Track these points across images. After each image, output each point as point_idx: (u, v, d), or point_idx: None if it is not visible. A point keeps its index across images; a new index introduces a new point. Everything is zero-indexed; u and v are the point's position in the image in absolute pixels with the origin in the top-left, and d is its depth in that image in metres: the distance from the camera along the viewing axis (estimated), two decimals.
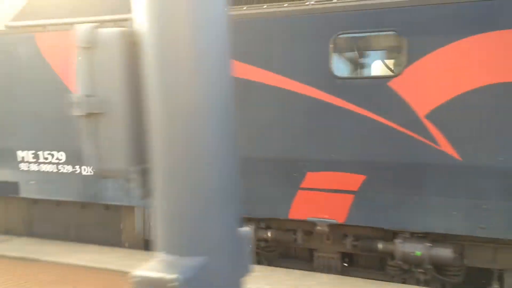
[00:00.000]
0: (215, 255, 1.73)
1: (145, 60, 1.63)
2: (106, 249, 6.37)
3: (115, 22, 6.20)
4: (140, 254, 6.13)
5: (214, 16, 1.66)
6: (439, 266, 5.41)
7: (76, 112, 1.67)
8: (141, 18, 1.61)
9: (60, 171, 6.73)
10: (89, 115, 1.68)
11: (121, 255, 6.10)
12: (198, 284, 1.65)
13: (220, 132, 1.72)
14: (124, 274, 5.45)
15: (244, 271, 1.95)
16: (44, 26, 6.69)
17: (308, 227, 5.76)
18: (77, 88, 1.68)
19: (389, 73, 5.52)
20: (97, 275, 5.43)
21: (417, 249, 5.28)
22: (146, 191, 1.79)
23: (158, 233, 1.77)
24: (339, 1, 5.21)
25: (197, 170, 1.68)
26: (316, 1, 5.35)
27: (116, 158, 1.72)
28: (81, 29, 1.64)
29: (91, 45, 1.64)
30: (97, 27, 1.65)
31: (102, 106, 1.68)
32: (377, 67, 5.97)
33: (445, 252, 5.20)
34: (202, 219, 1.72)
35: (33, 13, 6.96)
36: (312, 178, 5.50)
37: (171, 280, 1.56)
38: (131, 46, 1.64)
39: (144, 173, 1.77)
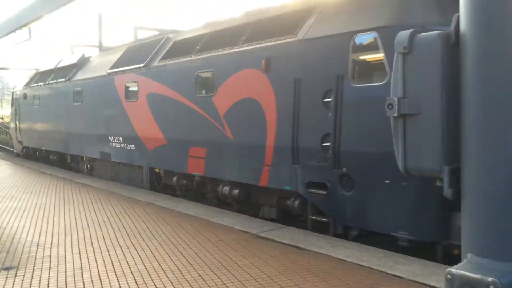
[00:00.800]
0: None
1: (465, 60, 1.64)
2: (364, 247, 6.59)
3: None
4: (401, 257, 6.12)
5: None
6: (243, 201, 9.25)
7: (390, 113, 1.80)
8: (462, 20, 1.63)
9: (120, 147, 12.94)
10: (402, 116, 1.79)
11: (380, 255, 6.21)
12: None
13: None
14: (380, 273, 5.55)
15: None
16: (121, 72, 12.91)
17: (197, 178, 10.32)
18: (392, 91, 1.81)
19: (213, 93, 9.34)
20: (356, 271, 5.67)
21: (226, 190, 9.31)
22: (455, 191, 1.80)
23: (467, 233, 1.76)
24: (200, 54, 9.93)
25: None
26: (192, 58, 10.20)
27: (427, 157, 1.78)
28: (400, 35, 1.77)
29: (408, 50, 1.75)
30: (416, 32, 1.74)
31: (415, 107, 1.77)
32: (211, 89, 9.60)
33: (239, 192, 9.06)
34: None
35: (117, 65, 13.33)
36: (192, 150, 10.00)
37: (491, 283, 1.53)
38: (450, 48, 1.68)
39: (454, 173, 1.78)
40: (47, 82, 18.16)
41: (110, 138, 13.30)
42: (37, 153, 20.38)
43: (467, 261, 1.71)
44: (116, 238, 7.41)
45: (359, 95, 6.59)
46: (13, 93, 23.86)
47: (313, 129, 7.20)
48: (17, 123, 21.96)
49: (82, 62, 16.22)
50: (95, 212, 9.42)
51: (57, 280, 5.54)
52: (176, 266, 5.98)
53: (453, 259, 5.30)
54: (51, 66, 18.83)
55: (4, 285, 5.40)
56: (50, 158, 19.02)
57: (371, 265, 5.81)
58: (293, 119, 7.54)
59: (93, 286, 5.35)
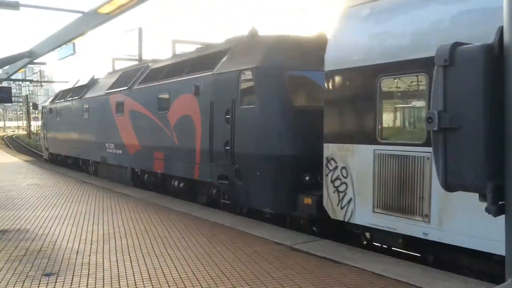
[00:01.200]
0: None
1: (509, 72, 1.59)
2: (401, 262, 6.43)
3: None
4: (441, 273, 5.93)
5: None
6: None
7: (429, 127, 1.76)
8: (506, 31, 1.58)
9: (113, 152, 16.30)
10: (442, 130, 1.75)
11: (418, 270, 6.04)
12: None
13: None
14: None
15: None
16: (114, 92, 16.36)
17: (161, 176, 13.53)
18: (432, 104, 1.78)
19: (167, 110, 12.49)
20: (393, 287, 5.54)
21: (176, 184, 12.56)
22: (498, 208, 1.74)
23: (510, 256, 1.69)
24: (161, 81, 13.20)
25: None
26: (156, 83, 13.58)
27: (469, 173, 1.73)
28: (441, 48, 1.73)
29: (449, 63, 1.71)
30: (457, 44, 1.71)
31: (457, 121, 1.73)
32: (166, 107, 12.68)
33: (184, 184, 12.27)
34: None
35: (112, 87, 16.76)
36: (156, 154, 13.14)
37: None
38: (493, 60, 1.64)
39: (498, 190, 1.72)
40: (65, 99, 22.07)
41: (106, 145, 16.79)
42: (58, 158, 24.20)
43: (511, 281, 1.65)
44: (152, 247, 7.53)
45: (243, 114, 9.50)
46: (42, 108, 29.92)
47: (220, 137, 10.10)
48: (45, 132, 26.15)
49: (92, 83, 19.92)
50: (132, 221, 9.61)
51: (95, 287, 5.68)
52: (210, 276, 6.00)
53: (309, 229, 8.53)
54: (70, 86, 23.17)
55: None
56: (67, 162, 22.55)
57: (409, 281, 5.66)
58: (209, 130, 10.53)
59: None
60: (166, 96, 12.63)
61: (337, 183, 7.40)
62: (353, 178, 7.10)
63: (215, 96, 10.33)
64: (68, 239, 8.11)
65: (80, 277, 6.07)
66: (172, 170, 12.47)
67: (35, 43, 16.28)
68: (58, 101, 23.58)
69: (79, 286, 5.71)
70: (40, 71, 62.02)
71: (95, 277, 6.04)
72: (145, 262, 6.68)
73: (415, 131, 6.83)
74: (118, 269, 6.40)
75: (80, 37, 12.28)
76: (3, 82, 28.11)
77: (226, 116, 9.83)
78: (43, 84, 56.75)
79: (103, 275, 6.14)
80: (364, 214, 6.91)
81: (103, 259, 6.86)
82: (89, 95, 19.16)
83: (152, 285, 5.72)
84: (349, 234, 7.71)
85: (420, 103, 6.66)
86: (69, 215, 10.27)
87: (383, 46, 6.68)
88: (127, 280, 5.91)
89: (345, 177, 7.25)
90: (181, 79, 11.98)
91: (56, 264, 6.67)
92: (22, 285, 5.76)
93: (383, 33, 6.80)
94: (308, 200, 8.13)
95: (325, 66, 7.56)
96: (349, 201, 7.21)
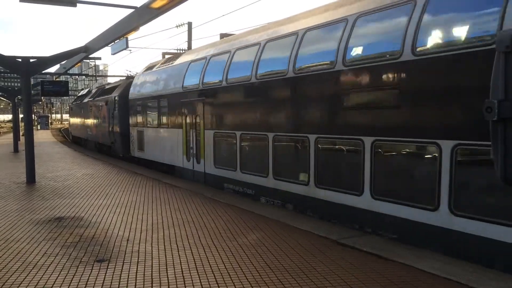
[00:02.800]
0: None
1: None
2: (452, 260, 6.19)
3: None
4: (494, 273, 5.67)
5: None
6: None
7: (488, 117, 1.66)
8: None
9: (89, 133, 32.05)
10: (502, 120, 1.64)
11: (470, 269, 5.80)
12: None
13: None
14: None
15: None
16: (96, 99, 29.49)
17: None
18: (491, 93, 1.67)
19: (99, 111, 28.15)
20: (443, 285, 5.34)
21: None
22: None
23: None
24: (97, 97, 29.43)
25: None
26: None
27: None
28: (502, 34, 1.63)
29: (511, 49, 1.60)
30: None
31: None
32: (98, 110, 28.16)
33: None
34: None
35: (96, 94, 30.94)
36: (96, 132, 28.97)
37: None
38: None
39: None
40: (79, 101, 36.32)
41: (87, 130, 31.31)
42: (73, 138, 40.69)
43: None
44: (199, 237, 7.66)
45: (116, 115, 22.76)
46: (69, 106, 48.24)
47: (110, 125, 23.60)
48: (71, 121, 43.48)
49: (87, 93, 35.24)
50: (179, 211, 9.82)
51: (144, 274, 5.85)
52: (255, 268, 6.03)
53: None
54: (84, 92, 38.99)
55: (97, 276, 5.80)
56: (78, 141, 37.13)
57: (460, 280, 5.44)
58: (108, 122, 23.91)
59: (176, 282, 5.57)
60: (98, 104, 27.04)
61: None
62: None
63: (110, 106, 23.50)
64: (119, 227, 8.40)
65: (130, 264, 6.27)
66: (99, 139, 27.03)
67: (90, 39, 16.97)
68: (76, 102, 38.58)
69: (129, 273, 5.91)
70: (95, 65, 64.51)
71: (144, 265, 6.23)
72: (191, 252, 6.81)
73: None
74: (166, 257, 6.56)
75: (132, 32, 12.61)
76: (61, 76, 29.46)
77: (111, 116, 23.07)
78: (97, 78, 58.96)
79: (152, 263, 6.32)
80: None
81: (151, 248, 7.05)
82: (87, 99, 32.52)
83: (199, 275, 5.82)
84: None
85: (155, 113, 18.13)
86: (120, 204, 10.63)
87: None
88: (174, 269, 6.05)
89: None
90: (104, 97, 25.77)
91: (108, 251, 6.93)
92: (76, 270, 6.03)
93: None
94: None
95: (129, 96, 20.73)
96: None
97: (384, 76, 7.57)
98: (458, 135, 6.23)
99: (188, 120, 14.91)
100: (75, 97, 42.88)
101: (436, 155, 6.61)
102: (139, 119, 19.64)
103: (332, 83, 8.65)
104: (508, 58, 1.61)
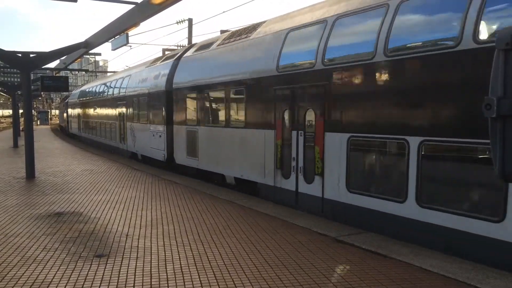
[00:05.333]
0: None
1: None
2: (450, 258, 6.21)
3: None
4: (493, 271, 5.68)
5: None
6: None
7: (488, 114, 1.67)
8: None
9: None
10: (501, 117, 1.65)
11: (468, 267, 5.82)
12: None
13: None
14: (469, 287, 5.19)
15: None
16: (83, 99, 36.76)
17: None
18: (490, 90, 1.68)
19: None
20: (442, 283, 5.36)
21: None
22: None
23: None
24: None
25: None
26: None
27: None
28: (502, 32, 1.63)
29: (511, 46, 1.61)
30: None
31: None
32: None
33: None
34: None
35: (81, 95, 38.10)
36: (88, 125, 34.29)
37: None
38: None
39: None
40: (67, 101, 44.07)
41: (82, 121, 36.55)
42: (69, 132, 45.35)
43: None
44: (198, 233, 7.68)
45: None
46: (64, 104, 53.45)
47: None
48: (66, 117, 48.37)
49: (77, 92, 41.82)
50: (179, 208, 9.84)
51: (143, 270, 5.87)
52: (254, 264, 6.05)
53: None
54: (77, 90, 43.15)
55: (96, 271, 5.82)
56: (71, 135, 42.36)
57: (458, 277, 5.46)
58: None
59: (175, 277, 5.58)
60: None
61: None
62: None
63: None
64: (119, 223, 8.42)
65: (129, 259, 6.29)
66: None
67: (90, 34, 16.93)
68: (70, 99, 44.32)
69: (128, 268, 5.92)
70: (95, 61, 64.45)
71: (143, 260, 6.24)
72: (191, 248, 6.83)
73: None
74: (165, 253, 6.58)
75: (133, 27, 12.61)
76: (61, 72, 29.43)
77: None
78: (97, 74, 58.97)
79: (151, 258, 6.34)
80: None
81: (151, 243, 7.07)
82: (72, 99, 42.44)
83: (197, 271, 5.84)
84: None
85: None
86: (120, 200, 10.65)
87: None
88: (173, 265, 6.07)
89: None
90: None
91: (107, 246, 6.95)
92: (75, 265, 6.04)
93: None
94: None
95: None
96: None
97: None
98: None
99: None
100: (66, 96, 53.49)
101: None
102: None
103: None
104: (507, 56, 1.62)
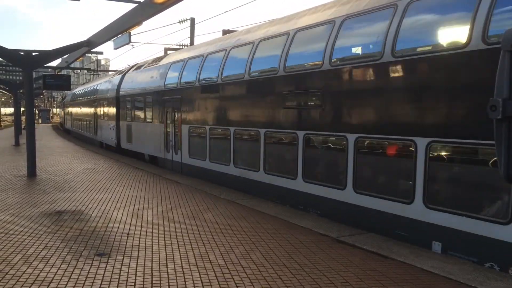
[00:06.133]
0: None
1: None
2: (451, 259, 6.21)
3: None
4: (493, 273, 5.67)
5: None
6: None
7: (493, 115, 1.66)
8: None
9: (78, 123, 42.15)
10: (507, 118, 1.64)
11: (469, 268, 5.81)
12: None
13: None
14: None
15: None
16: (79, 98, 40.91)
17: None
18: (496, 91, 1.67)
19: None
20: (442, 284, 5.35)
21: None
22: None
23: None
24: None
25: None
26: None
27: None
28: (508, 32, 1.62)
29: None
30: None
31: None
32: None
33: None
34: None
35: (75, 96, 43.39)
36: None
37: None
38: None
39: None
40: (64, 101, 49.88)
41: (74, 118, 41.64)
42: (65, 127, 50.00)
43: None
44: (199, 233, 7.68)
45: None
46: (63, 102, 57.92)
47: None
48: (63, 115, 54.45)
49: (70, 93, 45.73)
50: (180, 207, 9.84)
51: (144, 269, 5.87)
52: (255, 264, 6.05)
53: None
54: (71, 92, 46.32)
55: (97, 269, 5.82)
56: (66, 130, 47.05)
57: (459, 279, 5.45)
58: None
59: (176, 277, 5.58)
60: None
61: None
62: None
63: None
64: (120, 222, 8.42)
65: (130, 258, 6.29)
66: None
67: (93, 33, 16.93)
68: (67, 99, 49.06)
69: (129, 267, 5.92)
70: (96, 60, 64.48)
71: (144, 259, 6.24)
72: (191, 247, 6.83)
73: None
74: (166, 252, 6.58)
75: (135, 26, 12.60)
76: (63, 71, 29.45)
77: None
78: (99, 73, 59.02)
79: (152, 257, 6.34)
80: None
81: (152, 243, 7.07)
82: (69, 98, 46.04)
83: (198, 270, 5.83)
84: None
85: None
86: (121, 199, 10.65)
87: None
88: (174, 264, 6.07)
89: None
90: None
91: (108, 245, 6.95)
92: (76, 264, 6.05)
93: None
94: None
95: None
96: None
97: None
98: None
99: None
100: (65, 97, 60.89)
101: None
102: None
103: None
104: None
